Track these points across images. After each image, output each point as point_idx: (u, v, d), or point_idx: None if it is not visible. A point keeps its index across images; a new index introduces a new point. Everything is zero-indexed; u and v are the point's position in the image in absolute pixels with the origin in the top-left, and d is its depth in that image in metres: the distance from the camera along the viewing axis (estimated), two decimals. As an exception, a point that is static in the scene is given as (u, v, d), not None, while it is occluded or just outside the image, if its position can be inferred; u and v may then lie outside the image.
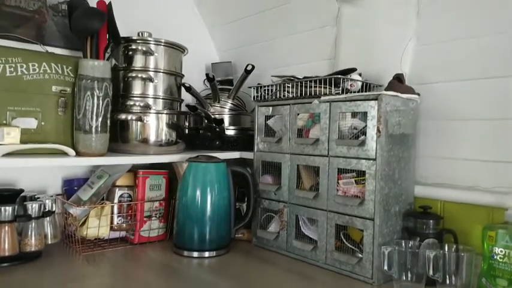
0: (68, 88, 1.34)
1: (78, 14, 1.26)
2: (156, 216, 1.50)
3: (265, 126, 1.48)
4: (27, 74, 1.27)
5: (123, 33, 1.44)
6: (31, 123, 1.27)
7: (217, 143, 1.63)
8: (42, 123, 1.29)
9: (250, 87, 1.52)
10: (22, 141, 1.21)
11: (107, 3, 1.33)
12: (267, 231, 1.45)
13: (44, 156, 1.22)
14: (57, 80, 1.32)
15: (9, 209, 1.17)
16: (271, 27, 1.75)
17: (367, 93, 1.17)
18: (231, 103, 1.72)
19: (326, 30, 1.53)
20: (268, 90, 1.47)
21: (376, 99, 1.12)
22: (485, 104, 1.16)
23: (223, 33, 2.01)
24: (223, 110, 1.70)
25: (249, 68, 1.62)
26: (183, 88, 1.57)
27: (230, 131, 1.69)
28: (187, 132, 1.67)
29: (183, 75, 1.59)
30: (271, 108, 1.44)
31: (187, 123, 1.68)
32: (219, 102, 1.69)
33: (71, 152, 1.27)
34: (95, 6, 1.35)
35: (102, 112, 1.29)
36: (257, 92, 1.50)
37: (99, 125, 1.29)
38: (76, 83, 1.30)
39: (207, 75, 1.56)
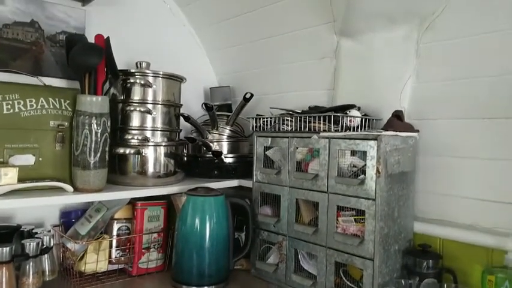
0: (66, 122, 1.33)
1: (76, 50, 1.25)
2: (154, 247, 1.49)
3: (264, 156, 1.48)
4: (24, 111, 1.26)
5: (121, 60, 1.45)
6: (28, 159, 1.27)
7: (215, 172, 1.62)
8: (40, 159, 1.28)
9: (249, 118, 1.52)
10: (19, 178, 1.20)
11: (105, 38, 1.33)
12: (266, 263, 1.44)
13: (41, 194, 1.21)
14: (55, 114, 1.31)
15: (6, 249, 1.15)
16: (271, 55, 1.75)
17: (367, 132, 1.17)
18: (230, 130, 1.72)
19: (325, 62, 1.53)
20: (267, 121, 1.46)
21: (375, 139, 1.12)
22: (485, 143, 1.16)
23: (222, 58, 2.01)
24: (221, 137, 1.69)
25: (248, 96, 1.61)
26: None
27: (229, 159, 1.68)
28: (186, 159, 1.67)
29: (181, 105, 1.59)
30: (270, 139, 1.44)
31: (186, 151, 1.67)
32: (217, 130, 1.69)
33: (69, 188, 1.26)
34: (93, 40, 1.35)
35: (101, 148, 1.28)
36: (256, 123, 1.50)
37: (98, 160, 1.28)
38: (74, 118, 1.29)
39: (205, 104, 1.56)
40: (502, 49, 1.10)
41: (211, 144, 1.64)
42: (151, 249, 1.48)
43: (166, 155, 1.49)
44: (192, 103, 1.90)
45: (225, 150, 1.69)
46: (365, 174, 1.15)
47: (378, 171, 1.12)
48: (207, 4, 1.80)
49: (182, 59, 1.90)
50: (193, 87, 1.91)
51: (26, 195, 1.18)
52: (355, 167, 1.21)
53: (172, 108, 1.53)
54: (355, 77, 1.43)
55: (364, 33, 1.36)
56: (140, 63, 1.50)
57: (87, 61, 1.25)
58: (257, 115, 1.50)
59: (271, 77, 1.81)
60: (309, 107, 1.51)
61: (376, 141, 1.12)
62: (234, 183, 1.64)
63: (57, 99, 1.33)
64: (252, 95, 1.61)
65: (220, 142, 1.69)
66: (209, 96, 1.95)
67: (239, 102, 1.66)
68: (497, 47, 1.10)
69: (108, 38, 1.32)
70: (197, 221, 1.36)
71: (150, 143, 1.44)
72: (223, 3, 1.75)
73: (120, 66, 1.41)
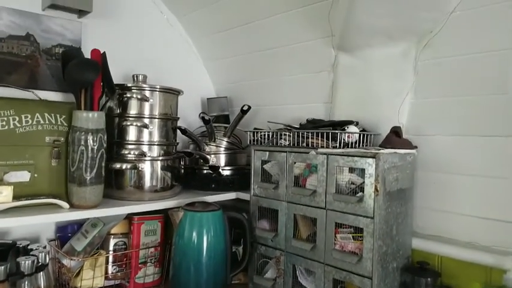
0: (62, 138, 1.32)
1: (72, 66, 1.24)
2: (151, 262, 1.48)
3: (261, 170, 1.47)
4: (19, 127, 1.25)
5: (118, 72, 1.43)
6: (24, 176, 1.25)
7: (213, 186, 1.61)
8: (35, 175, 1.27)
9: (247, 131, 1.51)
10: (15, 195, 1.19)
11: (101, 52, 1.32)
12: (263, 278, 1.44)
13: (37, 211, 1.19)
14: (51, 130, 1.30)
15: (1, 268, 1.14)
16: (269, 66, 1.74)
17: (365, 150, 1.16)
18: (227, 141, 1.71)
19: (323, 75, 1.52)
20: (264, 135, 1.46)
21: (374, 157, 1.12)
22: (484, 160, 1.16)
23: (219, 68, 2.00)
24: (219, 150, 1.68)
25: (245, 108, 1.60)
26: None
27: (226, 171, 1.67)
28: (183, 171, 1.66)
29: (178, 118, 1.58)
30: (267, 153, 1.43)
31: (183, 163, 1.66)
32: (214, 142, 1.68)
33: (65, 205, 1.24)
34: (89, 54, 1.34)
35: (97, 164, 1.27)
36: (253, 136, 1.49)
37: (94, 176, 1.26)
38: (70, 134, 1.28)
39: (202, 118, 1.55)
40: (500, 67, 1.09)
41: (208, 156, 1.63)
42: (148, 264, 1.47)
43: (163, 168, 1.48)
44: (190, 113, 1.90)
45: (222, 162, 1.68)
46: (363, 192, 1.14)
47: (376, 189, 1.11)
48: (205, 15, 1.79)
49: (179, 70, 1.90)
50: (191, 97, 1.90)
51: (22, 213, 1.16)
52: (354, 184, 1.20)
53: (170, 122, 1.52)
54: (353, 91, 1.43)
55: (362, 49, 1.35)
56: (137, 76, 1.49)
57: (83, 77, 1.24)
58: (255, 129, 1.49)
59: (269, 89, 1.80)
60: (307, 120, 1.51)
61: (374, 159, 1.11)
62: (231, 195, 1.63)
63: (52, 115, 1.31)
64: (249, 107, 1.60)
65: (218, 154, 1.68)
66: (206, 107, 1.95)
67: (236, 112, 1.66)
68: (495, 66, 1.10)
69: (104, 53, 1.31)
70: (194, 236, 1.34)
71: (146, 158, 1.43)
72: (220, 15, 1.74)
73: (117, 78, 1.40)
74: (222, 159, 1.69)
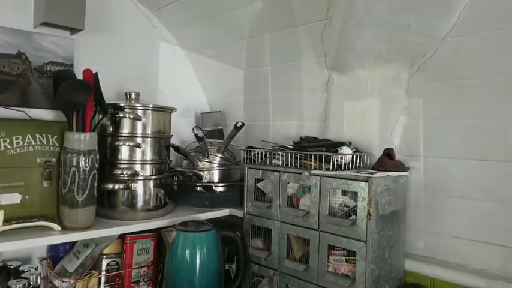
0: (53, 158, 1.31)
1: (64, 87, 1.23)
2: (144, 281, 1.47)
3: (255, 188, 1.47)
4: (10, 149, 1.24)
5: (112, 88, 1.42)
6: (15, 198, 1.24)
7: (206, 203, 1.60)
8: (26, 196, 1.25)
9: (240, 149, 1.51)
10: (6, 218, 1.17)
11: (93, 72, 1.31)
12: (257, 297, 1.44)
13: (28, 233, 1.18)
14: (42, 151, 1.29)
15: (-9, 293, 1.13)
16: (263, 83, 1.74)
17: (357, 174, 1.16)
18: (220, 157, 1.70)
19: (317, 94, 1.53)
20: (258, 154, 1.45)
21: (366, 181, 1.12)
22: (476, 183, 1.16)
23: (213, 83, 2.00)
24: (212, 166, 1.67)
25: (239, 124, 1.60)
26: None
27: (219, 188, 1.67)
28: (176, 187, 1.65)
29: (172, 136, 1.57)
30: (260, 171, 1.43)
31: (176, 179, 1.65)
32: (208, 157, 1.67)
33: (56, 227, 1.23)
34: (81, 73, 1.33)
35: (89, 185, 1.26)
36: (247, 155, 1.49)
37: (86, 198, 1.25)
38: (61, 154, 1.27)
39: (196, 135, 1.54)
40: (493, 93, 1.10)
41: (202, 173, 1.62)
42: (141, 283, 1.46)
43: (156, 186, 1.47)
44: (184, 128, 1.89)
45: (216, 178, 1.68)
46: (356, 215, 1.15)
47: (369, 213, 1.11)
48: (200, 30, 1.78)
49: (174, 84, 1.89)
50: (185, 111, 1.90)
51: (13, 236, 1.15)
52: (347, 206, 1.20)
53: (163, 140, 1.51)
54: (346, 111, 1.43)
55: (354, 70, 1.36)
56: (130, 94, 1.48)
57: (75, 99, 1.22)
58: (248, 147, 1.49)
59: (262, 105, 1.79)
60: (301, 138, 1.51)
61: (367, 183, 1.12)
62: (225, 212, 1.63)
63: (44, 135, 1.30)
64: (243, 124, 1.60)
65: (211, 170, 1.67)
66: (200, 121, 1.94)
67: (230, 126, 1.65)
68: (489, 90, 1.10)
69: (96, 73, 1.30)
70: (187, 256, 1.34)
71: (139, 177, 1.42)
72: (216, 31, 1.74)
73: (109, 95, 1.39)
74: (216, 176, 1.68)
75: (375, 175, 1.14)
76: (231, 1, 1.54)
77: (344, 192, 1.21)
